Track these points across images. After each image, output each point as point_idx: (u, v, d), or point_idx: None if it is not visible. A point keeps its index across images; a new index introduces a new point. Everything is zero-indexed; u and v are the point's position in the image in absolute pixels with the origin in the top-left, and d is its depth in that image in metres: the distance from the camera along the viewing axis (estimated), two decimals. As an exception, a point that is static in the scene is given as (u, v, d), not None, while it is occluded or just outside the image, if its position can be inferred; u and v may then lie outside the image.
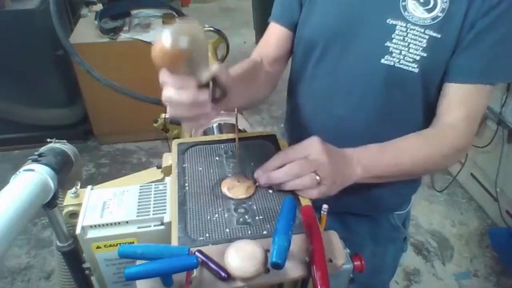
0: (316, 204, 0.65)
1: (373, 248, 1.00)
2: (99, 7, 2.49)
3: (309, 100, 0.89)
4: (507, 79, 0.76)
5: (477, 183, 2.30)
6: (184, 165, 0.70)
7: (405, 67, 0.73)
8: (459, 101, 0.75)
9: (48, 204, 0.71)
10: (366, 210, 0.96)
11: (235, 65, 0.80)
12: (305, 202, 0.63)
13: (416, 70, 0.73)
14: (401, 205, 1.00)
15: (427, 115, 0.80)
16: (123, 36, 2.37)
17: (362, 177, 0.70)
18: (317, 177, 0.63)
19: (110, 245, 0.63)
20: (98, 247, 0.63)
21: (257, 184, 0.66)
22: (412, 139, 0.75)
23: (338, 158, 0.68)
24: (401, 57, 0.73)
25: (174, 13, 2.46)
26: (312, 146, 0.66)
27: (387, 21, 0.73)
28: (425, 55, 0.72)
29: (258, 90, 0.86)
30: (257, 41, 3.99)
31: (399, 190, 0.94)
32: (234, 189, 0.64)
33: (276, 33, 0.90)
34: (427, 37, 0.71)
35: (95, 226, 0.63)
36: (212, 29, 1.52)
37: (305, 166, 0.64)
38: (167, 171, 0.77)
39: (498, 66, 0.73)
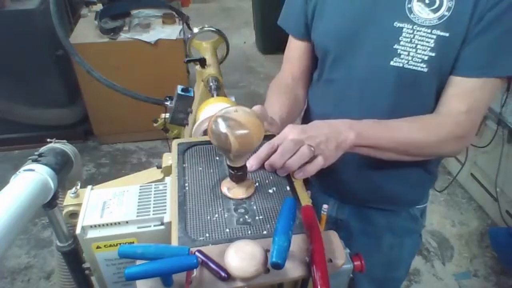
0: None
1: (391, 240, 1.00)
2: (99, 7, 2.49)
3: (325, 104, 0.91)
4: (506, 72, 0.75)
5: (477, 183, 2.30)
6: (184, 165, 0.70)
7: (414, 68, 0.74)
8: (461, 95, 0.75)
9: (48, 204, 0.71)
10: (385, 205, 0.97)
11: (279, 103, 0.87)
12: (305, 202, 0.63)
13: (426, 70, 0.74)
14: (419, 200, 1.00)
15: None
16: (123, 36, 2.37)
17: (356, 143, 0.70)
18: (312, 148, 0.65)
19: (110, 245, 0.63)
20: (98, 247, 0.63)
21: (256, 184, 0.67)
22: (405, 120, 0.77)
23: (321, 127, 0.70)
24: (410, 58, 0.74)
25: (174, 13, 2.46)
26: (290, 129, 0.68)
27: (394, 24, 0.74)
28: (433, 54, 0.73)
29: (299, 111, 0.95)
30: (257, 41, 3.99)
31: (416, 184, 0.95)
32: (234, 189, 0.64)
33: (296, 49, 0.94)
34: (434, 37, 0.72)
35: (95, 226, 0.63)
36: (212, 29, 1.52)
37: (295, 143, 0.65)
38: (167, 171, 0.77)
39: (503, 59, 0.73)
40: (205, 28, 1.49)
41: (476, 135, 2.20)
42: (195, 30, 1.50)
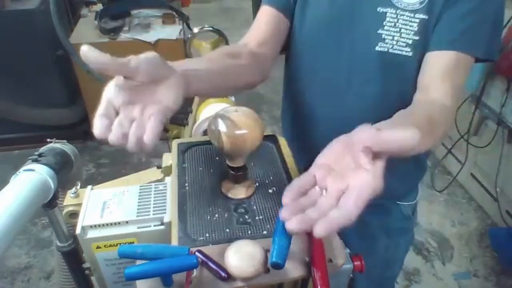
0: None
1: (386, 241, 1.01)
2: (99, 7, 2.49)
3: (311, 95, 0.90)
4: (476, 50, 0.74)
5: (477, 183, 2.30)
6: (184, 165, 0.70)
7: (399, 52, 0.75)
8: (440, 71, 0.73)
9: (48, 204, 0.71)
10: (375, 199, 0.96)
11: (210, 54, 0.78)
12: (305, 202, 0.63)
13: (410, 54, 0.75)
14: (409, 193, 1.01)
15: None
16: (123, 36, 2.37)
17: None
18: None
19: (110, 245, 0.63)
20: (98, 247, 0.63)
21: (256, 184, 0.67)
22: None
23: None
24: (394, 42, 0.75)
25: (174, 13, 2.46)
26: None
27: (378, 10, 0.75)
28: (417, 38, 0.74)
29: (237, 77, 0.77)
30: (257, 41, 3.98)
31: (406, 177, 0.95)
32: (234, 189, 0.64)
33: (266, 15, 0.87)
34: (417, 20, 0.73)
35: (95, 226, 0.63)
36: (212, 29, 1.52)
37: None
38: (167, 171, 0.77)
39: (470, 36, 0.72)
40: (205, 28, 1.49)
41: (476, 135, 2.20)
42: (195, 30, 1.50)
